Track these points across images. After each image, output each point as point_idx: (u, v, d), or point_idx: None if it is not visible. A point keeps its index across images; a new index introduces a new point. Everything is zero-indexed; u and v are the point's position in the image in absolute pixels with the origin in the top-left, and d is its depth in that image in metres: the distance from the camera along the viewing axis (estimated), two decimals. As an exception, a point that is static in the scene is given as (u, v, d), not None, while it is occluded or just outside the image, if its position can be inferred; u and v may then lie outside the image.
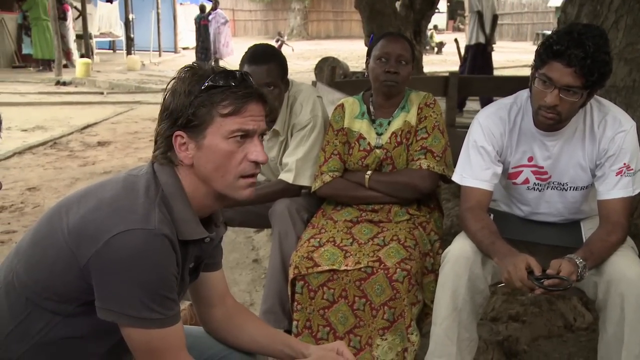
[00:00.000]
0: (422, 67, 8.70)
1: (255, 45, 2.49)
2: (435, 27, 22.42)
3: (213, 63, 1.39)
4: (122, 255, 1.15)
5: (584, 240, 1.97)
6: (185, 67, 1.29)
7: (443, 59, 18.64)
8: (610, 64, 1.80)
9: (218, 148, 1.26)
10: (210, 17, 14.20)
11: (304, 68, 14.48)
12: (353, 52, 17.36)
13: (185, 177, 1.30)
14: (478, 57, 7.89)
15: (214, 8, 14.50)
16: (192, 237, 1.29)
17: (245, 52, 2.44)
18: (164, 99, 1.28)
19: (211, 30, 13.96)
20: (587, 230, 2.03)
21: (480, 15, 7.84)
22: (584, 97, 1.83)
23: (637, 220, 2.64)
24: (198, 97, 1.23)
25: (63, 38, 14.52)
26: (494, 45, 7.99)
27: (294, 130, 2.48)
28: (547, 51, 1.80)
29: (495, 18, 8.03)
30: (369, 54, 2.41)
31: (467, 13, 8.20)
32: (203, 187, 1.31)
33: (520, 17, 28.32)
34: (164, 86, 1.32)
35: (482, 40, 7.88)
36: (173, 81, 1.28)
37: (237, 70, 1.29)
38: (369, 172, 2.36)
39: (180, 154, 1.27)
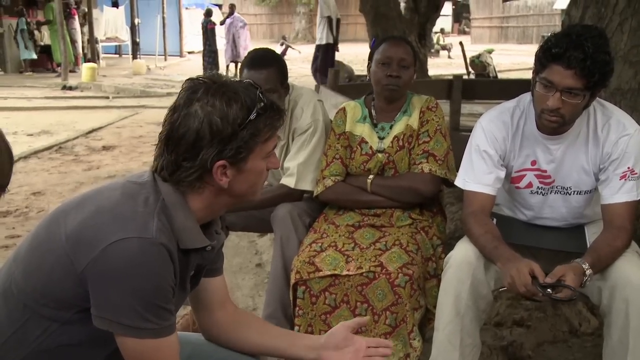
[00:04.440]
0: (427, 70, 8.68)
1: (255, 50, 2.48)
2: (441, 30, 22.39)
3: (228, 76, 1.36)
4: (119, 264, 1.15)
5: (588, 245, 1.95)
6: (220, 87, 1.24)
7: (448, 62, 18.61)
8: (611, 64, 1.78)
9: (258, 169, 1.31)
10: (227, 21, 14.26)
11: (309, 72, 14.46)
12: (358, 56, 17.29)
13: (202, 195, 1.29)
14: (328, 54, 9.51)
15: (231, 12, 14.56)
16: (194, 245, 1.29)
17: (245, 57, 2.44)
18: (202, 122, 1.21)
19: (229, 34, 14.04)
20: (592, 234, 2.01)
21: (329, 20, 9.41)
22: (586, 98, 1.81)
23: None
24: (246, 127, 1.24)
25: (74, 43, 14.71)
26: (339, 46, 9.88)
27: (295, 134, 2.47)
28: (546, 54, 1.79)
29: (338, 22, 9.78)
30: (370, 58, 2.40)
31: (319, 17, 9.82)
32: (224, 200, 1.32)
33: (525, 19, 28.23)
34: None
35: (330, 40, 9.51)
36: (207, 102, 1.22)
37: (264, 94, 1.29)
38: (371, 176, 2.35)
39: (220, 181, 1.26)
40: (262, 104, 1.26)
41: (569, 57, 1.73)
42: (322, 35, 9.51)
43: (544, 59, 1.80)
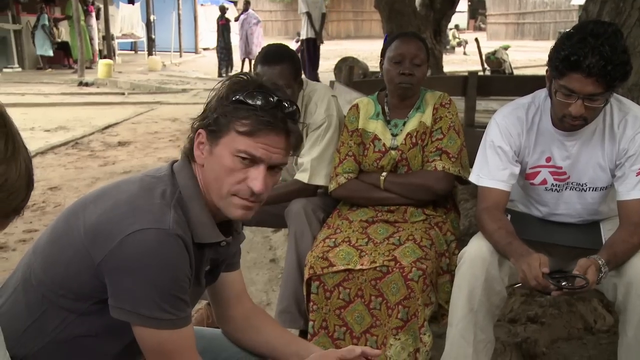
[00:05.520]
0: (442, 67, 8.65)
1: (269, 45, 2.49)
2: (456, 26, 22.27)
3: (256, 77, 1.35)
4: (136, 254, 1.16)
5: (603, 241, 1.93)
6: (242, 74, 1.33)
7: (464, 58, 18.51)
8: (629, 62, 1.75)
9: (222, 160, 1.26)
10: (241, 18, 14.30)
11: (323, 68, 14.40)
12: (373, 52, 17.28)
13: (200, 176, 1.32)
14: (310, 48, 10.04)
15: (245, 9, 14.59)
16: (208, 240, 1.30)
17: (259, 53, 2.45)
18: (214, 97, 1.31)
19: (243, 31, 14.08)
20: (607, 231, 2.00)
21: (309, 15, 9.87)
22: (608, 98, 1.81)
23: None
24: (225, 105, 1.25)
25: (91, 40, 14.88)
26: (324, 40, 10.39)
27: (309, 130, 2.47)
28: (564, 63, 1.75)
29: (323, 16, 10.15)
30: (383, 55, 2.39)
31: (299, 13, 10.37)
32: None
33: (542, 15, 27.96)
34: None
35: (312, 35, 9.98)
36: (225, 81, 1.31)
37: (274, 95, 1.26)
38: (384, 174, 2.35)
39: (196, 151, 1.30)
40: (264, 101, 1.23)
41: (589, 65, 1.70)
42: (304, 31, 10.07)
43: (561, 67, 1.77)
